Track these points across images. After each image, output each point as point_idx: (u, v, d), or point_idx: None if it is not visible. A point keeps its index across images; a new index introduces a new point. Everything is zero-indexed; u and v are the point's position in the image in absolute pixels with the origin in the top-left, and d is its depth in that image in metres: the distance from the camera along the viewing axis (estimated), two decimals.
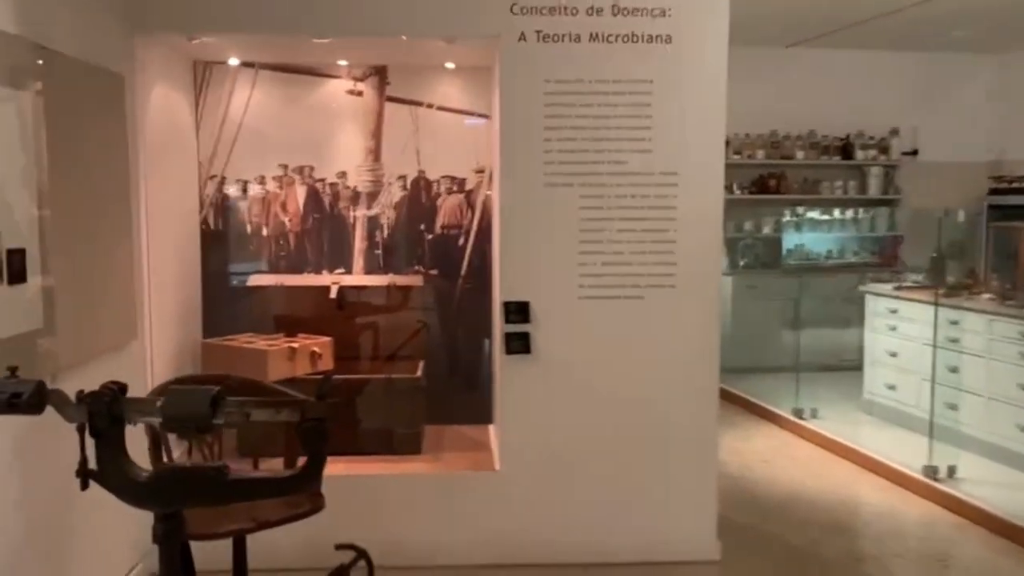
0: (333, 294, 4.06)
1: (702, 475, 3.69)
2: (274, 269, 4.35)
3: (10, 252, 2.36)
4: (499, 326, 3.61)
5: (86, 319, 2.92)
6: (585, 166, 3.54)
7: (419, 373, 3.99)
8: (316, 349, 3.90)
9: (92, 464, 1.87)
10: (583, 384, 3.61)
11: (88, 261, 2.94)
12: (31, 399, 1.82)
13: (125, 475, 1.86)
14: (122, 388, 1.89)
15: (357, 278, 4.28)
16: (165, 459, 2.47)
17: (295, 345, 3.81)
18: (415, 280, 4.27)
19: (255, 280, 4.18)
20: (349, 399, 3.88)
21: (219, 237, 4.34)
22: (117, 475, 1.86)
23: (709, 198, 3.60)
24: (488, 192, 4.36)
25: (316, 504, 2.44)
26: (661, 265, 3.59)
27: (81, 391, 1.87)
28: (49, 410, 1.84)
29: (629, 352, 3.61)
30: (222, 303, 4.30)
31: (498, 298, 3.64)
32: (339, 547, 2.72)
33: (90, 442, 1.85)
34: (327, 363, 3.95)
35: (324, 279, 4.22)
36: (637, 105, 3.53)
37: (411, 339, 4.27)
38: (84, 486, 1.86)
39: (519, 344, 3.55)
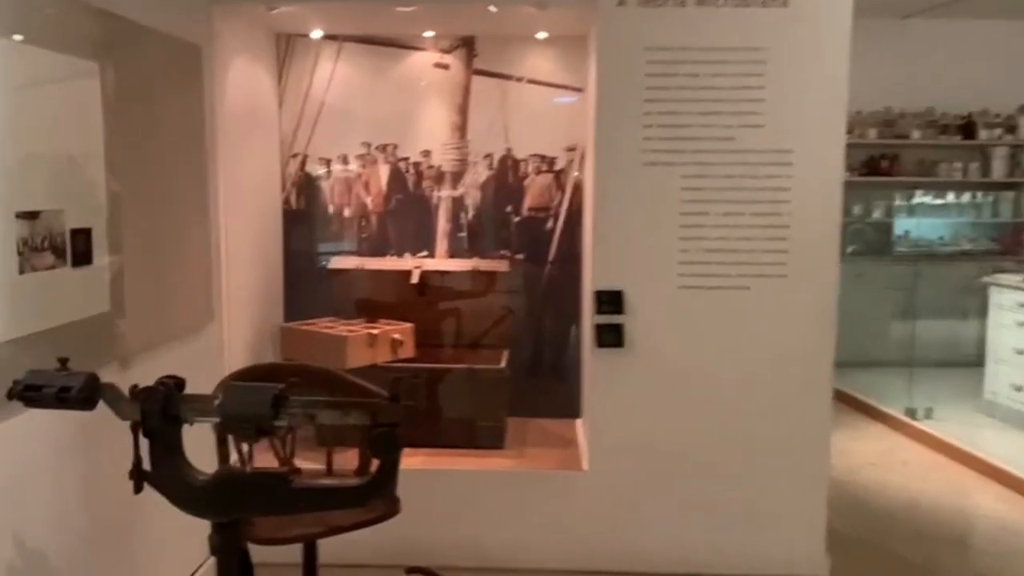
0: (415, 279, 3.87)
1: (811, 483, 3.36)
2: (356, 251, 4.20)
3: (74, 232, 2.23)
4: (589, 316, 3.35)
5: (158, 301, 2.80)
6: (688, 143, 3.24)
7: (503, 363, 3.77)
8: (397, 336, 3.72)
9: (147, 465, 1.72)
10: (681, 381, 3.32)
11: (161, 241, 2.81)
12: (81, 394, 1.67)
13: (180, 479, 1.70)
14: (179, 383, 1.73)
15: (440, 262, 4.08)
16: (236, 460, 2.32)
17: (375, 331, 3.64)
18: (501, 265, 4.04)
19: (336, 263, 4.03)
20: (430, 389, 3.70)
21: (301, 217, 4.21)
22: (172, 479, 1.70)
23: (827, 179, 3.24)
24: (579, 172, 4.09)
25: (391, 508, 2.25)
26: (771, 253, 3.26)
27: (135, 386, 1.71)
28: None
29: (733, 348, 3.30)
30: (303, 286, 4.18)
31: (589, 286, 3.38)
32: (411, 571, 2.55)
33: (145, 441, 1.70)
34: (408, 350, 3.77)
35: (406, 263, 4.03)
36: (748, 75, 3.20)
37: (495, 327, 4.06)
38: (137, 489, 1.71)
39: (611, 337, 3.29)
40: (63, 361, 1.73)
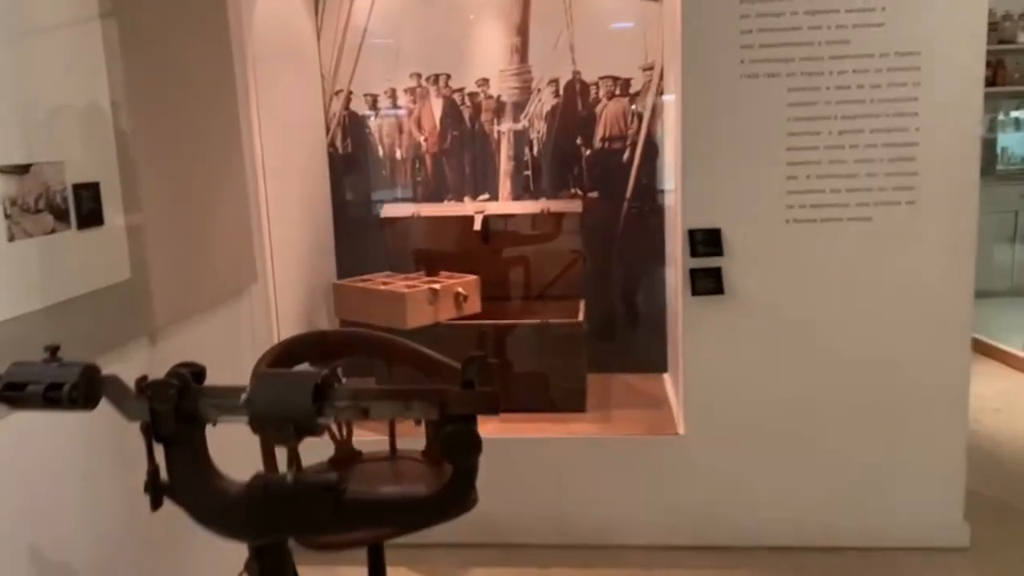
0: (477, 225, 3.46)
1: (948, 444, 2.90)
2: (411, 197, 3.81)
3: (78, 188, 1.88)
4: (680, 260, 2.91)
5: (191, 263, 2.46)
6: (795, 49, 2.73)
7: (580, 316, 3.37)
8: (461, 290, 3.34)
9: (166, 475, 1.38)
10: (792, 331, 2.88)
11: (190, 193, 2.46)
12: (74, 392, 1.32)
13: (206, 491, 1.35)
14: (197, 372, 1.37)
15: (504, 205, 3.66)
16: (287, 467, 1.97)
17: (436, 286, 3.26)
18: (572, 205, 3.60)
19: (389, 211, 3.64)
20: (500, 347, 3.33)
21: (349, 162, 3.82)
22: (194, 491, 1.35)
23: (963, 86, 2.72)
24: (660, 95, 3.61)
25: (466, 504, 1.89)
26: (897, 176, 2.77)
27: (143, 378, 1.36)
28: None
29: (852, 290, 2.84)
30: (356, 237, 3.81)
31: (679, 225, 2.93)
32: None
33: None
34: (473, 305, 3.40)
35: (467, 207, 3.62)
36: None
37: (569, 274, 3.64)
38: (155, 504, 1.37)
39: (709, 283, 2.85)
40: (53, 350, 1.38)
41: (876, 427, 2.91)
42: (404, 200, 3.80)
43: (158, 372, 1.36)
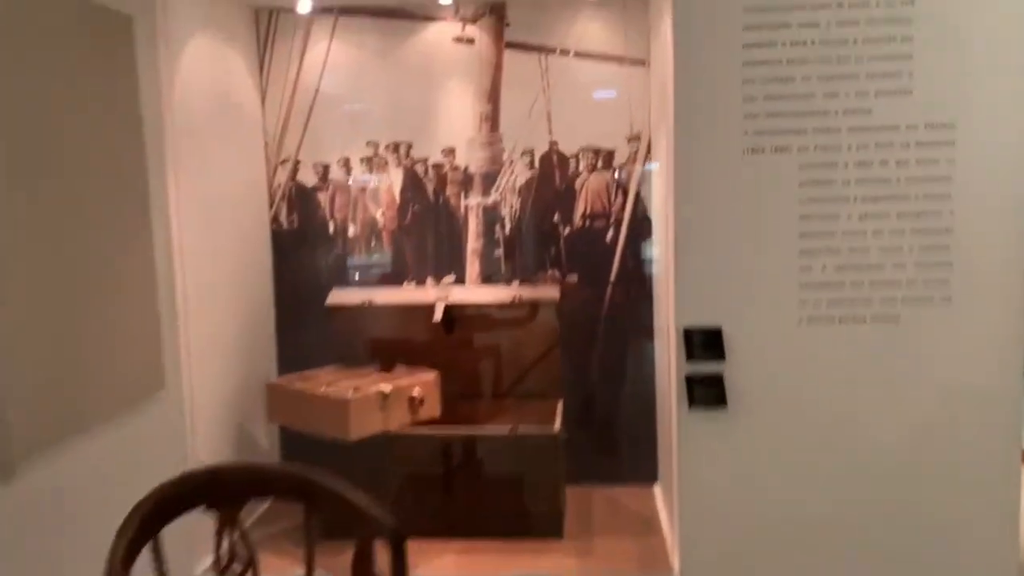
0: (438, 316, 3.02)
1: (998, 567, 2.45)
2: (365, 280, 3.37)
3: None
4: (674, 363, 2.48)
5: (70, 371, 2.00)
6: (808, 119, 2.35)
7: (557, 422, 2.91)
8: (416, 392, 2.88)
9: None
10: (807, 450, 2.43)
11: (75, 281, 2.01)
12: None
13: None
14: None
15: (470, 291, 3.23)
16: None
17: (387, 389, 2.80)
18: (548, 291, 3.17)
19: (338, 297, 3.19)
20: (464, 460, 2.86)
21: (295, 239, 3.39)
22: None
23: (1007, 162, 2.33)
24: (649, 165, 3.23)
25: None
26: (929, 268, 2.36)
27: None
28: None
29: (879, 402, 2.40)
30: (301, 327, 3.36)
31: (671, 321, 2.51)
32: None
33: None
34: (432, 409, 2.94)
35: (427, 293, 3.18)
36: (891, 22, 2.31)
37: (545, 370, 3.19)
38: None
39: (708, 393, 2.41)
40: None
41: (913, 552, 2.44)
42: (361, 283, 3.36)
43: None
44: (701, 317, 2.43)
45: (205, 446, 2.76)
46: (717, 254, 2.41)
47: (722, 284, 2.42)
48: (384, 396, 2.79)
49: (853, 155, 2.36)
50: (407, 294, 3.22)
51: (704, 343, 2.42)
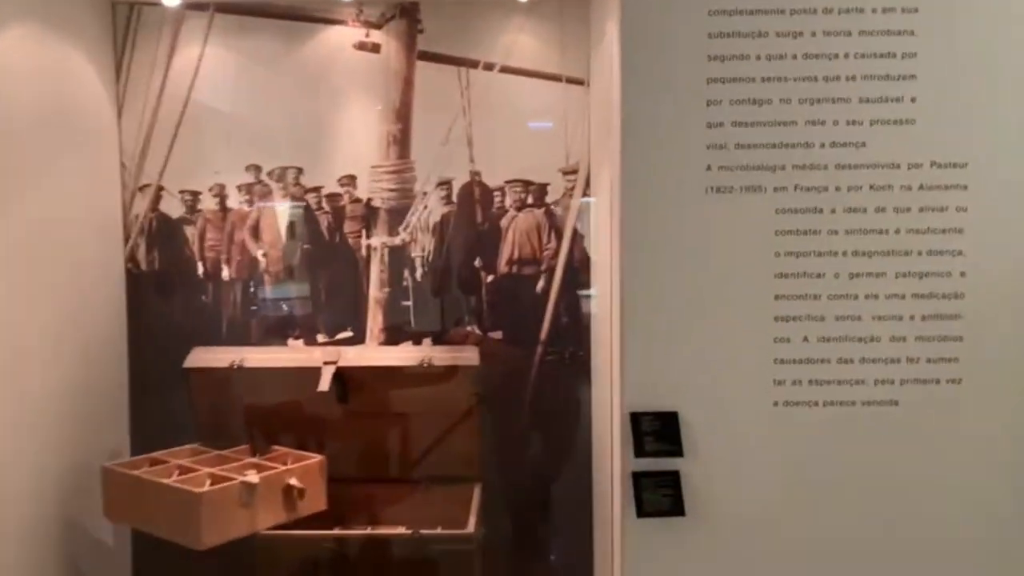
0: (324, 385, 2.45)
1: None
2: (240, 336, 2.79)
3: None
4: (617, 455, 1.97)
5: None
6: (787, 152, 1.89)
7: (472, 519, 2.37)
8: (294, 481, 2.31)
9: None
10: (787, 566, 1.95)
11: None
12: None
13: None
14: None
15: (370, 351, 2.68)
16: None
17: (253, 479, 2.23)
18: (466, 353, 2.63)
19: (200, 358, 2.58)
20: (356, 570, 2.30)
21: (156, 283, 2.79)
22: None
23: None
24: (585, 199, 2.75)
25: None
26: (933, 341, 1.91)
27: None
28: None
29: (876, 503, 1.93)
30: (162, 393, 2.74)
31: (616, 402, 2.01)
32: None
33: None
34: (315, 502, 2.37)
35: (316, 354, 2.61)
36: (889, 34, 1.88)
37: (455, 441, 2.65)
38: None
39: (661, 497, 1.90)
40: None
41: None
42: (235, 339, 2.77)
43: None
44: (653, 398, 1.93)
45: (13, 551, 2.14)
46: (673, 318, 1.92)
47: (679, 356, 1.92)
48: (250, 488, 2.21)
49: (842, 198, 1.90)
50: (290, 354, 2.65)
51: (656, 431, 1.92)
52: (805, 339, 1.92)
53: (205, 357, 2.57)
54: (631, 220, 1.94)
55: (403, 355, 2.61)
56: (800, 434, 1.93)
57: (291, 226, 2.80)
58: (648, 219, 1.93)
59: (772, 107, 1.89)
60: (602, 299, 2.53)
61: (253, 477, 2.22)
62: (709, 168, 1.90)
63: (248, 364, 2.54)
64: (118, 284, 2.75)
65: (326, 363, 2.49)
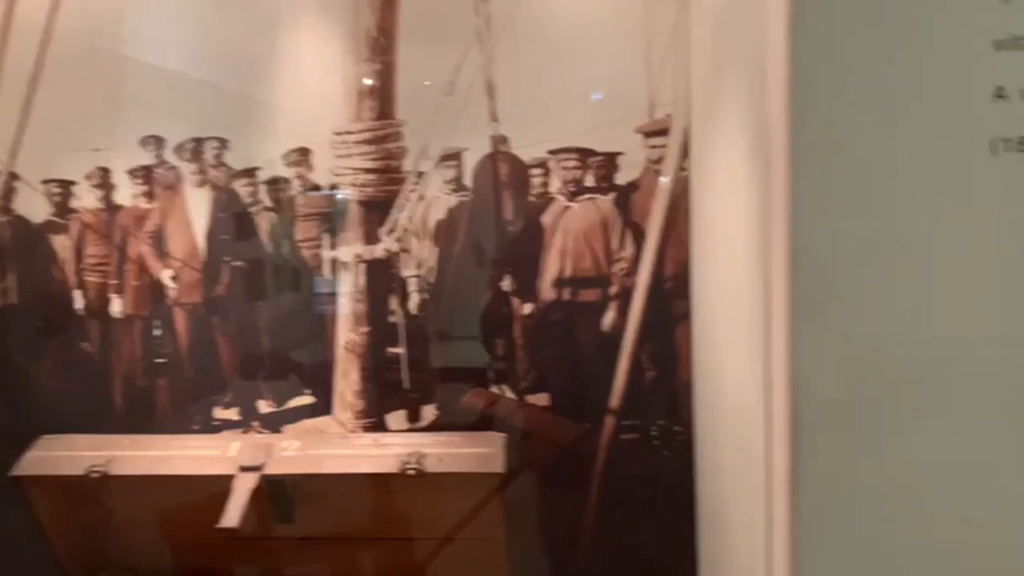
0: (234, 516, 1.46)
1: None
2: (140, 409, 1.84)
3: None
4: None
5: None
6: None
7: None
8: None
9: None
10: None
11: None
12: None
13: None
14: None
15: (322, 445, 1.69)
16: None
17: None
18: (481, 448, 1.60)
19: (49, 458, 1.59)
20: None
21: (12, 324, 1.88)
22: None
23: None
24: (687, 173, 1.72)
25: None
26: None
27: None
28: None
29: None
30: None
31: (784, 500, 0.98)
32: None
33: None
34: None
35: (234, 448, 1.62)
36: None
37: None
38: None
39: None
40: None
41: None
42: (124, 416, 1.83)
43: None
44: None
45: None
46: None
47: None
48: None
49: None
50: (195, 451, 1.66)
51: None
52: None
53: (48, 457, 1.60)
54: (815, 193, 0.91)
55: (373, 450, 1.61)
56: None
57: (212, 231, 1.83)
58: (845, 193, 0.90)
59: None
60: (724, 347, 1.49)
61: None
62: (1003, 102, 0.87)
63: (117, 469, 1.56)
64: None
65: (243, 470, 1.50)
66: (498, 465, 1.49)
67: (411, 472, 1.49)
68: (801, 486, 0.92)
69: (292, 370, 1.84)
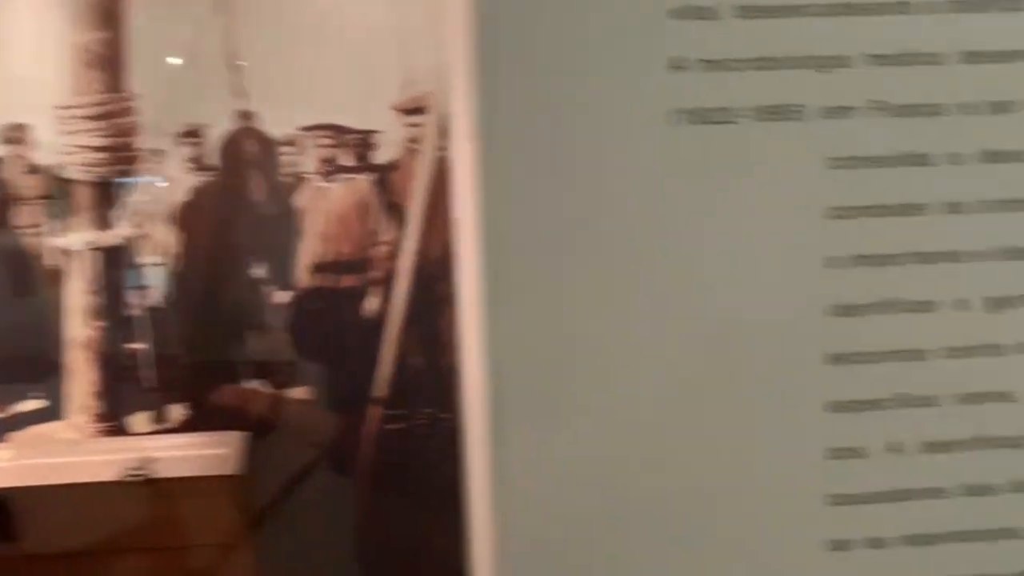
0: None
1: None
2: None
3: None
4: None
5: None
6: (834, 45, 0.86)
7: None
8: None
9: None
10: None
11: None
12: None
13: None
14: None
15: (43, 451, 1.55)
16: None
17: None
18: (213, 449, 1.51)
19: None
20: None
21: None
22: None
23: None
24: (445, 152, 1.68)
25: None
26: None
27: None
28: None
29: None
30: None
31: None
32: None
33: None
34: None
35: None
36: None
37: None
38: None
39: None
40: None
41: None
42: None
43: None
44: None
45: None
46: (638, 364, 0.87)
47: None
48: None
49: (952, 142, 0.87)
50: None
51: None
52: (890, 402, 0.89)
53: None
54: (508, 174, 0.87)
55: (98, 457, 1.48)
56: None
57: None
58: (539, 170, 0.86)
59: None
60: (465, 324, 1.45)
61: None
62: (681, 78, 0.84)
63: None
64: None
65: None
66: (231, 467, 1.39)
67: (135, 478, 1.37)
68: (498, 472, 0.89)
69: (17, 371, 1.67)
